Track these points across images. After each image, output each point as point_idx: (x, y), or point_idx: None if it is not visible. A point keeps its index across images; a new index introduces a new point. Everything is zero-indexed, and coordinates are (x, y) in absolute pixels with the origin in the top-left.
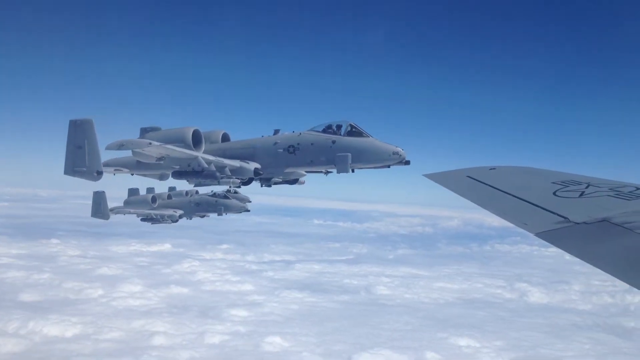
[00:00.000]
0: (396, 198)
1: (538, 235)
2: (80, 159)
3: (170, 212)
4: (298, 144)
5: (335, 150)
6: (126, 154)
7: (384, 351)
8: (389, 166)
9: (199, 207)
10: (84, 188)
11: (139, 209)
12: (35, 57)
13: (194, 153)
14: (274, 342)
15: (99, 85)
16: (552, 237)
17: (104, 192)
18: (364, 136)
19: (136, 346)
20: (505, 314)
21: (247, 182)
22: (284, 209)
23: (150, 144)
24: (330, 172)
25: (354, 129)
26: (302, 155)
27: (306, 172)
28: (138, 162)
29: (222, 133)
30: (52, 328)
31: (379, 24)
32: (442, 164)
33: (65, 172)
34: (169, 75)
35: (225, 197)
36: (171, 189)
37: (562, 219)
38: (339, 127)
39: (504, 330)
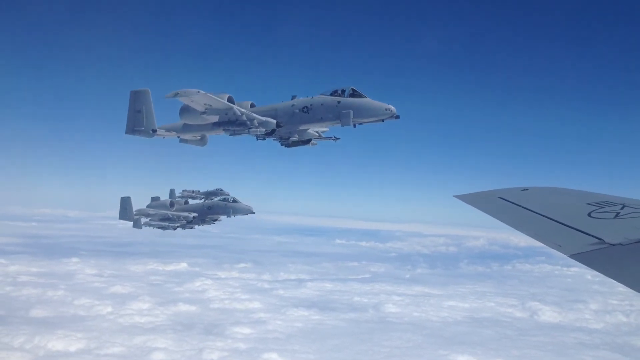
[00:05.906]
0: (424, 218)
1: (572, 257)
2: (139, 121)
3: (185, 213)
4: (311, 105)
5: (341, 109)
6: (174, 120)
7: None
8: (383, 120)
9: (211, 210)
10: (111, 208)
11: (159, 211)
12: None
13: (230, 104)
14: (271, 358)
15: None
16: (587, 259)
17: (129, 197)
18: (362, 97)
19: None
20: (512, 332)
21: (270, 133)
22: (306, 228)
23: (198, 92)
24: (339, 138)
25: (354, 92)
26: (314, 113)
27: (317, 134)
28: (184, 125)
29: (250, 103)
30: (57, 343)
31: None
32: (470, 185)
33: (127, 132)
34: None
35: (235, 201)
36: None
37: (598, 240)
38: (343, 90)
39: (507, 348)
